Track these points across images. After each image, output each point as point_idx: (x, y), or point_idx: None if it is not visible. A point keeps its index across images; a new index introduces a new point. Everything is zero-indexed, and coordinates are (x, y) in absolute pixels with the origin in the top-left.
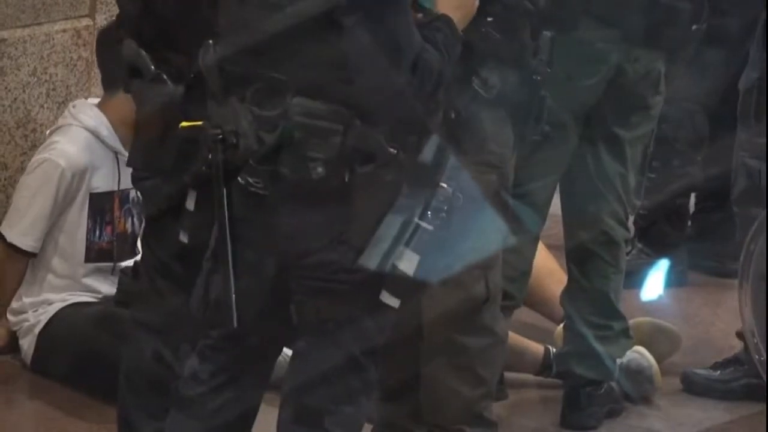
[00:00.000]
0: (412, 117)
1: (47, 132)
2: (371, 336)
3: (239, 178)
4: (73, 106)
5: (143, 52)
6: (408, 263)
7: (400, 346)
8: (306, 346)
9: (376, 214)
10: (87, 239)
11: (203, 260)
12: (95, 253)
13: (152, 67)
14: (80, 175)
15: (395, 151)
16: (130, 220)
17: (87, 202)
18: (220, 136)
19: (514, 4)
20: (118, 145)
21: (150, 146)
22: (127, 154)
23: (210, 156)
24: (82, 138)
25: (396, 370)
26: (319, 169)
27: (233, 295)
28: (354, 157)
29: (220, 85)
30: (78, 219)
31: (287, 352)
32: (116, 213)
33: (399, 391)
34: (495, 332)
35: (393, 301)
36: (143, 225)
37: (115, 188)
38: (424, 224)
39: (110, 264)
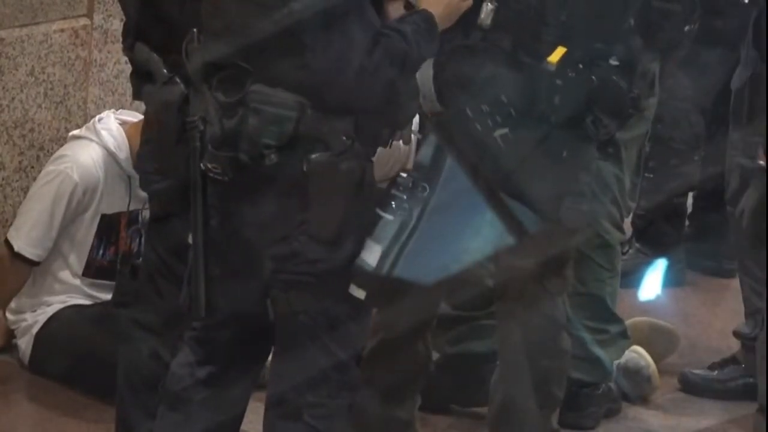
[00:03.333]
0: (375, 106)
1: (69, 134)
2: (348, 330)
3: (200, 164)
4: (99, 120)
5: (155, 56)
6: (370, 254)
7: (396, 347)
8: (283, 341)
9: (335, 204)
10: (89, 255)
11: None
12: (94, 270)
13: (165, 70)
14: (92, 191)
15: (350, 141)
16: (137, 240)
17: (97, 220)
18: (194, 124)
19: (639, 47)
20: (132, 170)
21: (164, 149)
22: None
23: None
24: (100, 157)
25: (393, 371)
26: (273, 156)
27: (202, 284)
28: (307, 145)
29: (198, 74)
30: (86, 236)
31: None
32: (122, 233)
33: (396, 390)
34: (569, 352)
35: (359, 293)
36: (147, 226)
37: (125, 209)
38: (383, 214)
39: (110, 282)
